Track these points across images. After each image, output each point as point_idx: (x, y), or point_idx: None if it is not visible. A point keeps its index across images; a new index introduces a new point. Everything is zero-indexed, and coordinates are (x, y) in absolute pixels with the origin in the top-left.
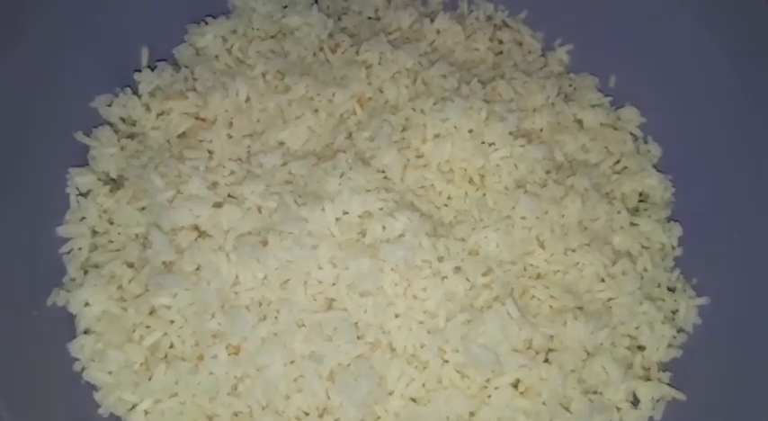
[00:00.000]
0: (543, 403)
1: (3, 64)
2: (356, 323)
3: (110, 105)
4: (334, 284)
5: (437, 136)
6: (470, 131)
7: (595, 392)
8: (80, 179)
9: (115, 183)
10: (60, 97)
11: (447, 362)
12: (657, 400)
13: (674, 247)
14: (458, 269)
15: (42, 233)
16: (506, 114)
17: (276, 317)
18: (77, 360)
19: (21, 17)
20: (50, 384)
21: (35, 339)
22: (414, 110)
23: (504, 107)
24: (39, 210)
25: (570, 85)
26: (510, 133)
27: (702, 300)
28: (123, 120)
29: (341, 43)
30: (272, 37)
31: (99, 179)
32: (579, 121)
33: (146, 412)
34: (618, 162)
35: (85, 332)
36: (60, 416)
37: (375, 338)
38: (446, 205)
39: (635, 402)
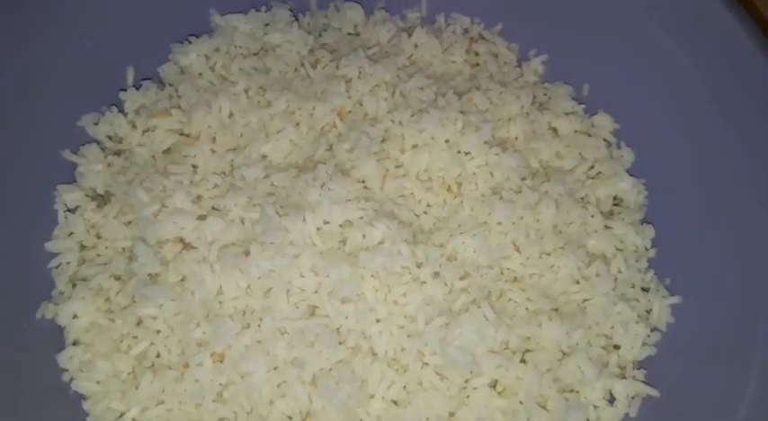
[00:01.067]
0: (520, 402)
1: None
2: (338, 329)
3: (96, 124)
4: (315, 292)
5: (415, 146)
6: (447, 141)
7: (572, 391)
8: (68, 195)
9: (102, 199)
10: (48, 117)
11: (426, 364)
12: (633, 397)
13: (647, 249)
14: (436, 274)
15: (31, 248)
16: (481, 124)
17: (259, 325)
18: (66, 371)
19: (9, 42)
20: (40, 395)
21: (24, 351)
22: (392, 121)
23: (479, 117)
24: (28, 225)
25: (545, 94)
26: (485, 142)
27: (675, 299)
28: (110, 137)
29: (321, 59)
30: (255, 54)
31: (86, 195)
32: (554, 129)
33: (133, 420)
34: (592, 167)
35: (74, 343)
36: None
37: (356, 343)
38: (425, 213)
39: (611, 400)
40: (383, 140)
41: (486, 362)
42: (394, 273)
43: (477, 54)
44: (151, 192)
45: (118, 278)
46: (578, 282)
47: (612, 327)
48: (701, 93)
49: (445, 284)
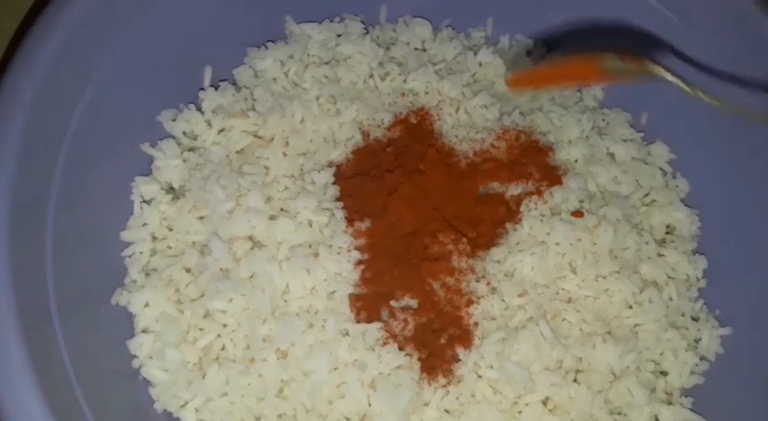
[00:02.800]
0: (571, 420)
1: (84, 85)
2: (396, 335)
3: (174, 120)
4: (378, 297)
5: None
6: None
7: (620, 413)
8: (144, 187)
9: (176, 193)
10: (129, 112)
11: (481, 377)
12: None
13: (698, 279)
14: (494, 289)
15: (109, 236)
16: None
17: (323, 326)
18: (136, 357)
19: (103, 36)
20: (114, 377)
21: (100, 335)
22: (456, 137)
23: (541, 139)
24: (106, 215)
25: (603, 120)
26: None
27: (725, 331)
28: (185, 134)
29: (391, 72)
30: (326, 63)
31: (162, 188)
32: (611, 155)
33: (196, 409)
34: (647, 195)
35: (144, 331)
36: (121, 406)
37: (415, 351)
38: (485, 228)
39: None
40: (449, 154)
41: (541, 379)
42: (453, 284)
43: None
44: (227, 190)
45: (188, 271)
46: (631, 307)
47: (662, 354)
48: (759, 128)
49: (503, 300)
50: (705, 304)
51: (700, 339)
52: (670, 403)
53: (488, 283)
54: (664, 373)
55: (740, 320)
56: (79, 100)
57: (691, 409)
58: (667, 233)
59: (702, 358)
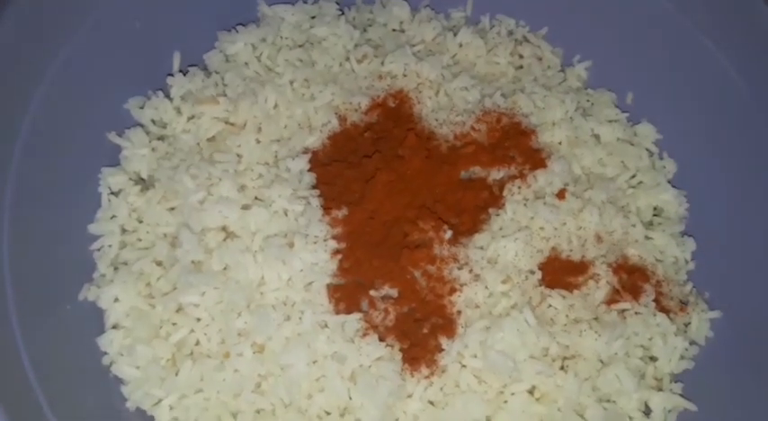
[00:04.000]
0: (558, 409)
1: (43, 67)
2: (377, 326)
3: (142, 107)
4: (356, 287)
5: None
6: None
7: (609, 401)
8: (112, 179)
9: (145, 184)
10: (95, 98)
11: (465, 366)
12: (669, 411)
13: (687, 261)
14: (477, 277)
15: (75, 230)
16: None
17: (300, 318)
18: (106, 354)
19: (62, 20)
20: (81, 376)
21: (67, 333)
22: (436, 120)
23: (524, 121)
24: (72, 207)
25: (588, 101)
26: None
27: (715, 314)
28: (154, 122)
29: (367, 54)
30: (300, 46)
31: (130, 179)
32: (596, 136)
33: (170, 407)
34: (633, 176)
35: (114, 327)
36: (91, 407)
37: (396, 341)
38: (467, 214)
39: (647, 412)
40: (428, 138)
41: (527, 368)
42: (435, 272)
43: (521, 56)
44: (197, 180)
45: (159, 264)
46: (618, 292)
47: (651, 339)
48: (748, 106)
49: (486, 288)
50: (694, 287)
51: (689, 323)
52: (660, 389)
53: (471, 271)
54: (653, 359)
55: (730, 303)
56: (37, 86)
57: (681, 395)
58: (655, 215)
59: (692, 342)
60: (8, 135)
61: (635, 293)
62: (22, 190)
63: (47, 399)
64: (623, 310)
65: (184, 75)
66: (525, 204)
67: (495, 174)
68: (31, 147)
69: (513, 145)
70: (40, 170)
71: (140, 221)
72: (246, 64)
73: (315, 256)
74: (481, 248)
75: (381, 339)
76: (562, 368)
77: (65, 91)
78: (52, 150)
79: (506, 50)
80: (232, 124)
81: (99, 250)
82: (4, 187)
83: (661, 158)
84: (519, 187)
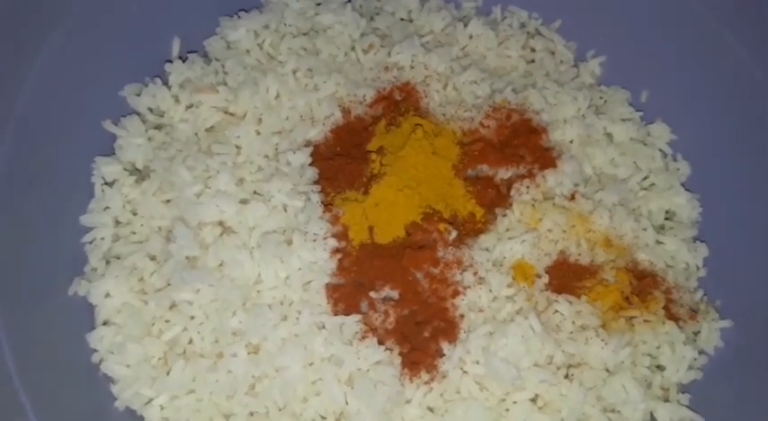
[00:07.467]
0: (562, 419)
1: (36, 51)
2: (377, 329)
3: (138, 95)
4: (356, 288)
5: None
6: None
7: (614, 411)
8: (106, 168)
9: (141, 174)
10: (90, 84)
11: (466, 373)
12: None
13: (698, 268)
14: (481, 279)
15: (66, 221)
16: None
17: (297, 318)
18: (96, 351)
19: (55, 4)
20: (69, 374)
21: (56, 329)
22: (444, 115)
23: (535, 118)
24: (63, 197)
25: (601, 98)
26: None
27: (725, 323)
28: (151, 110)
29: (374, 44)
30: (304, 34)
31: (125, 169)
32: (609, 135)
33: (162, 407)
34: (646, 178)
35: (105, 323)
36: (78, 407)
37: (396, 345)
38: (473, 215)
39: None
40: (436, 135)
41: (530, 375)
42: (438, 274)
43: (533, 50)
44: (194, 172)
45: (153, 258)
46: (627, 298)
47: (659, 348)
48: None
49: (491, 291)
50: (705, 295)
51: (699, 332)
52: (666, 400)
53: (476, 273)
54: (660, 368)
55: (741, 312)
56: (29, 70)
57: (688, 407)
58: (666, 219)
59: (701, 352)
60: None
61: (644, 300)
62: (11, 178)
63: (30, 399)
64: (631, 318)
65: (183, 61)
66: (533, 205)
67: (503, 173)
68: (23, 134)
69: (523, 143)
70: (32, 158)
71: (134, 213)
72: (248, 51)
73: (314, 255)
74: (486, 250)
75: (380, 342)
76: (567, 376)
77: (58, 76)
78: (44, 138)
79: (518, 43)
80: (232, 114)
81: (91, 243)
82: None
83: (675, 160)
84: (527, 187)
